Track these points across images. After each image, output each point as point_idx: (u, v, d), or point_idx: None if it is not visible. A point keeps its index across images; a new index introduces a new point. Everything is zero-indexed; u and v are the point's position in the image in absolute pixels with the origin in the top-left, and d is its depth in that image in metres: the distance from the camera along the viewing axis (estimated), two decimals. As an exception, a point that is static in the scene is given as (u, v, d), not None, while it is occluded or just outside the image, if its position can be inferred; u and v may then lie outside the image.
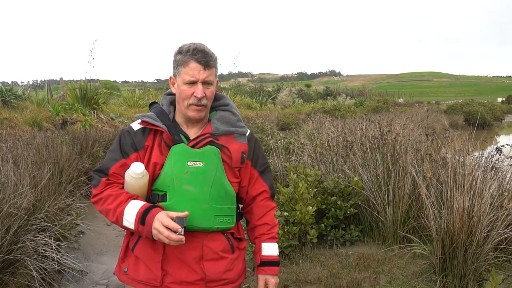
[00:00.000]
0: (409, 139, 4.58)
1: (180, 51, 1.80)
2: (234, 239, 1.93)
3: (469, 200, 3.32)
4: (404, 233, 4.00)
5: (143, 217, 1.68)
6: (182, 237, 1.63)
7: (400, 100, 61.88)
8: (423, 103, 55.11)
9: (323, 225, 4.35)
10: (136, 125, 1.86)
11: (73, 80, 14.95)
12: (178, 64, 1.80)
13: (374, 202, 4.35)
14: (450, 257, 3.35)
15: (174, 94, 1.90)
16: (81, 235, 5.19)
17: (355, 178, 4.49)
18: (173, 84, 1.87)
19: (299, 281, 3.61)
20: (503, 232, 3.35)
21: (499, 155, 3.76)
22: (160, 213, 1.67)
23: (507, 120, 37.47)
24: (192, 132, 1.87)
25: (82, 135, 8.09)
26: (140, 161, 1.78)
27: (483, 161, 3.85)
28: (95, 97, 11.81)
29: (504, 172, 3.77)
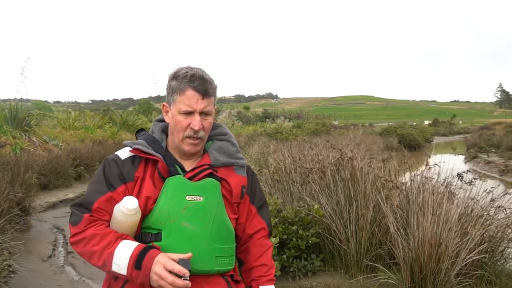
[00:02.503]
0: (369, 166, 4.56)
1: (175, 76, 1.63)
2: (233, 282, 1.73)
3: (436, 227, 3.31)
4: (369, 262, 3.93)
5: (138, 261, 1.45)
6: (189, 283, 1.42)
7: (336, 122, 64.25)
8: (358, 126, 57.52)
9: (285, 256, 4.20)
10: (124, 153, 1.65)
11: (1, 100, 13.89)
12: (173, 91, 1.62)
13: (336, 230, 4.27)
14: (419, 286, 3.31)
15: (164, 121, 1.73)
16: (11, 274, 4.62)
17: (316, 206, 4.40)
18: (167, 112, 1.69)
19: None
20: (467, 257, 3.37)
21: (460, 180, 3.82)
22: (161, 256, 1.46)
23: (436, 141, 39.87)
24: (187, 164, 1.69)
25: (12, 160, 7.44)
26: (129, 195, 1.57)
27: (443, 187, 3.89)
28: (26, 118, 11.05)
29: (464, 198, 3.83)
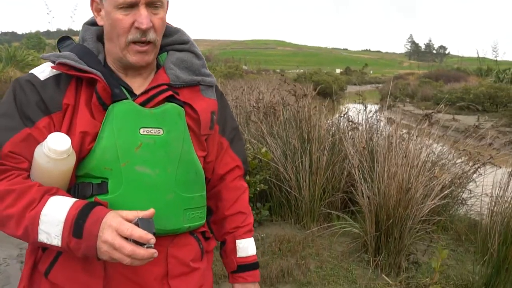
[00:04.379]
0: (323, 105, 4.43)
1: None
2: (204, 240, 1.40)
3: (405, 172, 3.28)
4: (328, 210, 3.86)
5: (78, 225, 1.04)
6: (155, 251, 1.03)
7: (245, 67, 64.41)
8: (269, 71, 58.25)
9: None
10: (43, 72, 1.21)
11: None
12: None
13: (286, 176, 4.13)
14: (386, 234, 3.30)
15: (98, 25, 1.29)
16: None
17: (263, 149, 4.20)
18: (98, 11, 1.25)
19: (216, 276, 3.19)
20: (432, 204, 3.41)
21: (429, 122, 3.82)
22: (110, 215, 1.05)
23: (349, 90, 41.71)
24: (136, 84, 1.28)
25: None
26: (56, 130, 1.15)
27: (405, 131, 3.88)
28: None
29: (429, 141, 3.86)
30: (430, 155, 3.89)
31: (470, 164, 3.86)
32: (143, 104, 1.23)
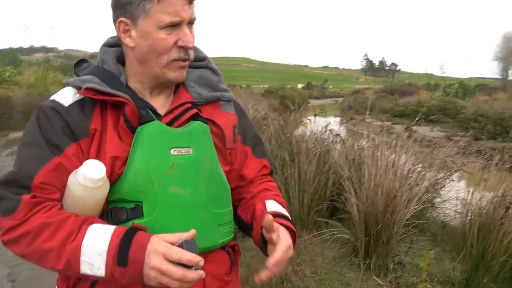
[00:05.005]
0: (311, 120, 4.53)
1: None
2: (234, 253, 1.32)
3: (391, 180, 3.38)
4: (318, 218, 3.93)
5: (122, 253, 0.99)
6: (203, 272, 1.00)
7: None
8: (236, 86, 58.52)
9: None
10: (66, 97, 1.14)
11: None
12: None
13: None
14: (374, 238, 3.38)
15: (117, 45, 1.25)
16: None
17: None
18: (126, 32, 1.17)
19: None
20: (414, 208, 3.52)
21: (409, 134, 3.96)
22: (155, 241, 1.01)
23: (312, 104, 42.42)
24: (159, 103, 1.23)
25: None
26: (85, 157, 1.10)
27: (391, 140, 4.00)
28: None
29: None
30: (408, 164, 4.02)
31: (443, 172, 4.01)
32: (169, 123, 1.18)
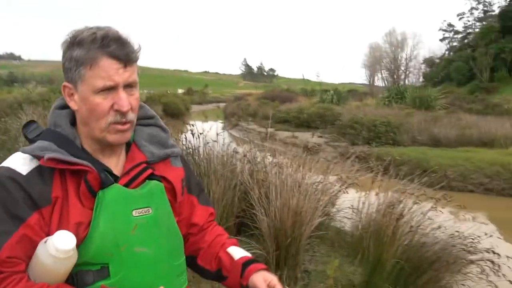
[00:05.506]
0: (215, 141, 4.71)
1: (78, 42, 1.15)
2: None
3: (297, 199, 3.72)
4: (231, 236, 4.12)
5: None
6: None
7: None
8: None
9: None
10: (22, 165, 1.14)
11: None
12: (79, 63, 1.15)
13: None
14: (285, 251, 3.68)
15: (68, 107, 1.25)
16: None
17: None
18: (71, 95, 1.20)
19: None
20: (317, 221, 3.91)
21: (307, 154, 4.34)
22: None
23: (194, 110, 42.60)
24: (113, 163, 1.26)
25: None
26: (46, 224, 1.12)
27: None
28: None
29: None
30: (309, 180, 4.42)
31: (339, 185, 4.48)
32: (127, 185, 1.23)
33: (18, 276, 1.07)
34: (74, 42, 1.15)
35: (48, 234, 1.11)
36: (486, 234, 3.97)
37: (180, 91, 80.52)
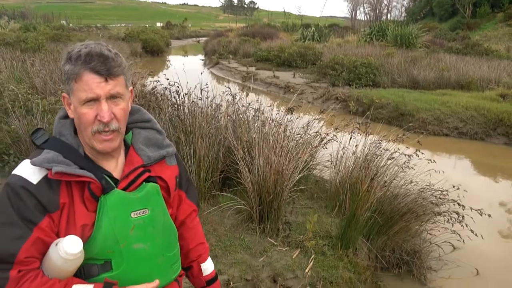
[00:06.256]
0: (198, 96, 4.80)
1: (68, 58, 1.31)
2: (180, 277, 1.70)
3: (279, 158, 3.92)
4: (216, 192, 4.35)
5: None
6: None
7: (64, 22, 58.91)
8: (92, 27, 54.23)
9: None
10: (32, 174, 1.29)
11: None
12: (69, 77, 1.32)
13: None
14: (267, 206, 3.94)
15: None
16: None
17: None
18: (69, 105, 1.37)
19: None
20: (298, 176, 4.15)
21: (291, 114, 4.48)
22: None
23: (173, 45, 41.71)
24: (112, 167, 1.43)
25: None
26: (55, 227, 1.32)
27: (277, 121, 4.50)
28: None
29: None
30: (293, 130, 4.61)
31: (318, 140, 4.69)
32: (125, 188, 1.40)
33: (34, 273, 1.28)
34: (67, 58, 1.32)
35: (58, 235, 1.32)
36: (453, 186, 4.26)
37: (158, 24, 78.23)
